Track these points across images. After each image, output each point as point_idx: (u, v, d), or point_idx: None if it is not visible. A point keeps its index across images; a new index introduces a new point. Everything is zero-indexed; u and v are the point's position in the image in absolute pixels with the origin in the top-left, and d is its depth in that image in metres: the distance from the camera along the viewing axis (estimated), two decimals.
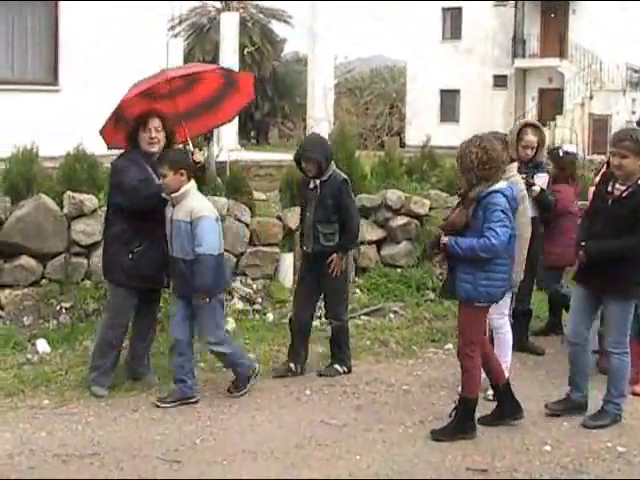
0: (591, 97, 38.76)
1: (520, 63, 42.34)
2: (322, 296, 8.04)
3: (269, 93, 45.45)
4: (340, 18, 27.76)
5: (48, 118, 14.38)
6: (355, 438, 6.38)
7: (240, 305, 9.34)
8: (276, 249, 9.85)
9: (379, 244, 10.69)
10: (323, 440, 6.31)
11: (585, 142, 30.40)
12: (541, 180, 8.14)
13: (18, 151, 9.18)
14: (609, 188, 6.63)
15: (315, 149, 7.53)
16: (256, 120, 45.29)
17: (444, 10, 44.66)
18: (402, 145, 32.95)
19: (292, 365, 7.73)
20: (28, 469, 5.72)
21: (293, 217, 9.88)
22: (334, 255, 7.59)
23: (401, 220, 10.72)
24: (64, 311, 8.56)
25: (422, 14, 44.03)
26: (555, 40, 40.80)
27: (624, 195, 6.52)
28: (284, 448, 6.14)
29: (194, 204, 6.75)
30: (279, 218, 9.98)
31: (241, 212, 9.78)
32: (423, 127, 33.51)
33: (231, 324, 8.88)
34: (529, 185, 7.84)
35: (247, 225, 9.79)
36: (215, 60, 31.83)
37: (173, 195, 6.76)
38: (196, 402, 6.96)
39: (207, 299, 6.81)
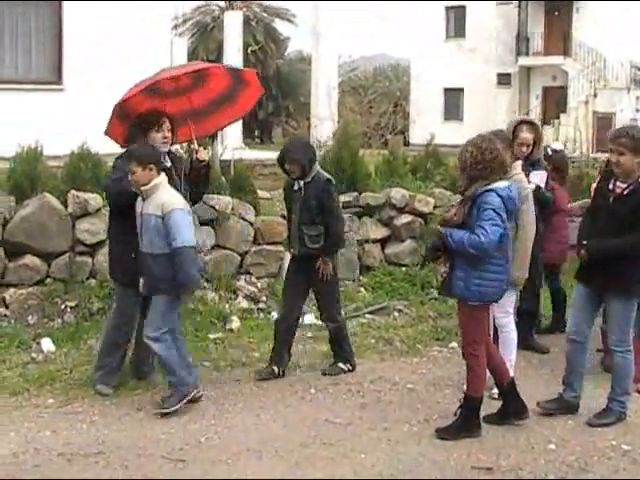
0: (595, 95, 38.71)
1: (524, 61, 42.29)
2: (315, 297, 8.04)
3: (273, 92, 45.41)
4: (344, 17, 27.76)
5: (52, 117, 14.40)
6: (360, 437, 6.38)
7: (245, 304, 9.34)
8: (280, 248, 9.85)
9: (383, 243, 10.70)
10: (328, 439, 6.31)
11: (589, 140, 30.34)
12: (537, 178, 8.01)
13: (22, 150, 9.20)
14: (610, 186, 6.63)
15: (298, 151, 7.50)
16: (260, 119, 45.31)
17: (448, 9, 44.63)
18: (406, 144, 32.91)
19: (275, 368, 7.66)
20: (33, 468, 5.73)
21: None
22: (320, 260, 7.55)
23: (405, 218, 10.72)
24: (69, 310, 8.57)
25: (426, 13, 43.99)
26: (559, 38, 40.76)
27: (625, 193, 6.51)
28: (289, 447, 6.15)
29: (165, 198, 6.65)
30: (283, 217, 9.97)
31: (245, 211, 9.79)
32: (427, 125, 33.51)
33: (235, 323, 8.89)
34: None
35: (251, 224, 9.80)
36: (219, 59, 31.87)
37: (143, 188, 6.68)
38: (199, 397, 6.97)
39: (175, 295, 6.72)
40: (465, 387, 6.58)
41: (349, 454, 6.06)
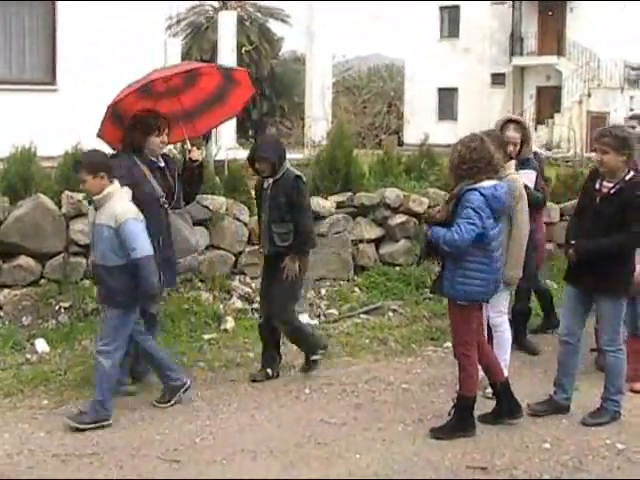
0: (589, 95, 38.79)
1: (518, 61, 42.37)
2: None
3: (267, 92, 45.40)
4: (338, 17, 27.76)
5: (46, 118, 14.36)
6: (354, 437, 6.38)
7: (239, 304, 9.33)
8: None
9: (378, 243, 10.69)
10: (322, 439, 6.31)
11: (583, 140, 30.40)
12: (525, 177, 7.84)
13: (16, 151, 9.18)
14: (596, 186, 6.65)
15: (268, 149, 7.40)
16: (254, 119, 45.26)
17: (442, 9, 44.72)
18: (400, 143, 32.87)
19: (269, 371, 7.64)
20: (27, 469, 5.73)
21: None
22: (286, 259, 7.40)
23: (399, 218, 10.71)
24: (63, 311, 8.55)
25: (420, 13, 44.07)
26: (553, 38, 40.83)
27: (611, 192, 6.53)
28: (283, 447, 6.15)
29: (117, 208, 6.35)
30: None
31: (239, 211, 9.78)
32: (421, 125, 33.57)
33: (230, 323, 8.89)
34: None
35: (245, 224, 9.78)
36: (213, 59, 31.86)
37: (95, 198, 6.44)
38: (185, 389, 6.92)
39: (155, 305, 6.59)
40: (458, 387, 6.59)
41: (344, 454, 6.06)
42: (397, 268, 10.50)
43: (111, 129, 7.22)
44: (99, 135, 7.25)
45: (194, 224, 9.13)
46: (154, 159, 7.11)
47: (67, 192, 8.91)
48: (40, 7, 16.28)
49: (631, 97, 38.22)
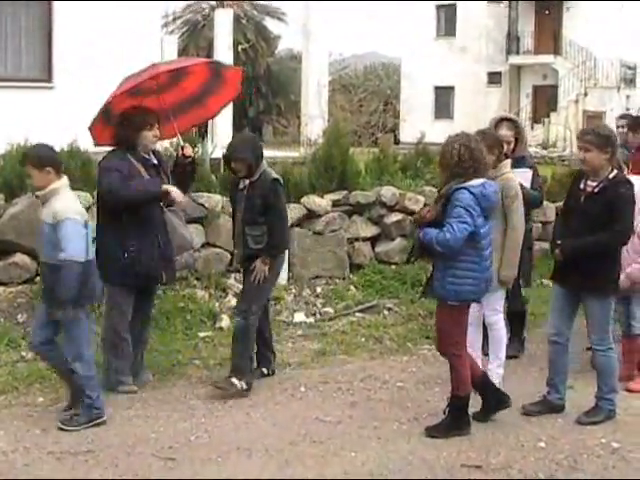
0: (585, 94, 38.83)
1: (514, 60, 42.39)
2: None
3: (263, 90, 45.44)
4: (334, 15, 27.78)
5: (42, 115, 14.34)
6: (350, 435, 6.38)
7: (234, 302, 9.30)
8: None
9: (373, 241, 10.70)
10: (318, 437, 6.31)
11: None
12: (521, 176, 7.70)
13: (12, 148, 9.18)
14: (581, 185, 6.65)
15: (246, 149, 7.13)
16: (250, 117, 45.26)
17: (438, 8, 44.72)
18: (396, 142, 32.90)
19: (264, 370, 7.61)
20: (23, 467, 5.72)
21: (288, 214, 9.89)
22: (257, 260, 7.18)
23: (395, 217, 10.72)
24: None
25: (416, 12, 44.03)
26: (549, 37, 40.86)
27: (595, 191, 6.53)
28: (278, 445, 6.14)
29: (58, 205, 6.09)
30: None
31: None
32: (417, 124, 33.54)
33: (225, 321, 8.88)
34: None
35: None
36: (209, 57, 31.77)
37: (38, 193, 6.24)
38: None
39: (70, 313, 6.13)
40: (451, 387, 6.55)
41: (339, 452, 6.06)
42: (393, 266, 10.51)
43: (99, 126, 7.20)
44: (90, 129, 7.21)
45: (190, 222, 9.17)
46: (147, 156, 7.10)
47: None
48: (36, 7, 16.28)
49: (627, 96, 38.26)
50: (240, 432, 6.39)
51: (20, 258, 8.57)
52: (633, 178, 7.25)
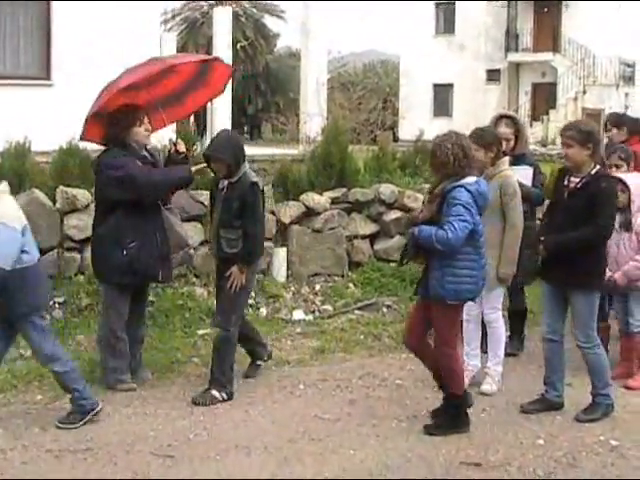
0: (584, 91, 38.82)
1: (513, 57, 42.37)
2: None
3: (262, 88, 45.44)
4: (333, 13, 27.76)
5: (41, 113, 14.34)
6: (348, 433, 6.38)
7: None
8: (269, 244, 9.83)
9: (372, 238, 10.69)
10: (316, 435, 6.31)
11: None
12: (520, 173, 7.67)
13: (10, 146, 9.16)
14: (565, 181, 6.65)
15: (225, 150, 6.87)
16: (249, 115, 45.28)
17: (437, 5, 44.71)
18: (395, 139, 32.92)
19: (259, 362, 7.60)
20: (21, 465, 5.72)
21: (287, 212, 9.91)
22: (233, 268, 6.94)
23: (394, 214, 10.71)
24: (57, 306, 8.55)
25: (415, 9, 44.01)
26: (548, 35, 40.84)
27: (578, 187, 6.53)
28: (277, 443, 6.14)
29: None
30: (272, 213, 9.96)
31: None
32: (416, 121, 33.44)
33: None
34: None
35: None
36: (209, 54, 31.75)
37: None
38: None
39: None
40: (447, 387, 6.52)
41: (338, 450, 6.06)
42: (392, 264, 10.48)
43: (91, 122, 7.17)
44: (83, 123, 7.18)
45: (189, 219, 9.18)
46: (143, 154, 7.09)
47: (61, 187, 8.91)
48: (35, 7, 16.29)
49: (626, 94, 38.27)
50: (239, 430, 6.39)
51: None
52: (633, 176, 7.26)
